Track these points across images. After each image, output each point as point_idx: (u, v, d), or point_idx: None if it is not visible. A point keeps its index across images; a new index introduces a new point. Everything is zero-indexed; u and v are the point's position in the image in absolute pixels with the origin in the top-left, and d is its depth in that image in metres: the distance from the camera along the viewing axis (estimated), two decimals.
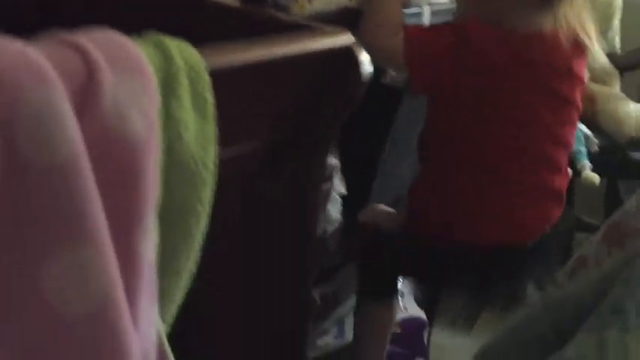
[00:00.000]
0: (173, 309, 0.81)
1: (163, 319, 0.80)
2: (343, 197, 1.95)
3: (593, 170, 2.53)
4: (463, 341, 2.52)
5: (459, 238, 1.62)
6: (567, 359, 1.77)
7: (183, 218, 0.75)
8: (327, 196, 1.77)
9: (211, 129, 0.74)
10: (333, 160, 1.76)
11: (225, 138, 0.89)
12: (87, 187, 0.59)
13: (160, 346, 0.75)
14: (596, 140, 2.59)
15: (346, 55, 0.96)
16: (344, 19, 1.50)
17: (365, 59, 0.98)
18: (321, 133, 0.99)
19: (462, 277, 1.69)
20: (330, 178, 1.77)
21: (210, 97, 0.74)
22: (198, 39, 0.92)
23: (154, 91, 0.66)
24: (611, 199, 2.78)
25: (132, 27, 0.74)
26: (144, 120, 0.64)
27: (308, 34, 0.93)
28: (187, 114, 0.71)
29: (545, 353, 1.88)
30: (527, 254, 1.70)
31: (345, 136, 1.82)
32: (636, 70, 2.88)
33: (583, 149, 2.56)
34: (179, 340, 0.80)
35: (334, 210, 1.93)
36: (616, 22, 2.99)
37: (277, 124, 0.96)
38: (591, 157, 2.55)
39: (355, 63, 0.96)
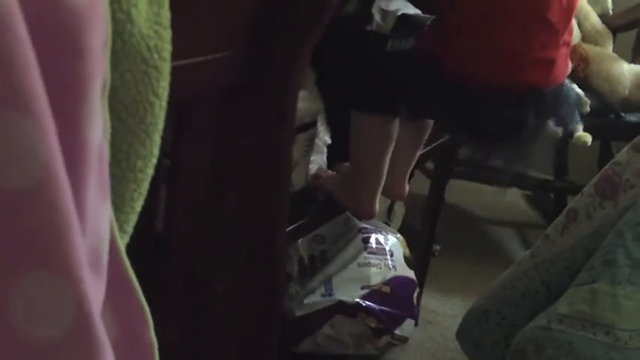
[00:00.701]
0: (132, 218, 0.76)
1: (122, 229, 0.75)
2: (329, 146, 1.90)
3: (585, 132, 2.48)
4: (454, 303, 2.49)
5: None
6: (559, 314, 1.73)
7: (137, 112, 0.69)
8: (311, 143, 1.71)
9: (165, 14, 0.68)
10: (317, 106, 1.71)
11: (195, 45, 0.84)
12: (22, 45, 0.53)
13: (115, 251, 0.69)
14: (588, 101, 2.55)
15: None
16: None
17: None
18: (297, 42, 0.93)
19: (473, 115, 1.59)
20: (314, 125, 1.71)
21: None
22: None
23: None
24: (605, 162, 2.71)
25: None
26: None
27: None
28: None
29: (537, 308, 1.84)
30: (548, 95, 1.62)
31: (329, 85, 1.77)
32: (629, 31, 2.83)
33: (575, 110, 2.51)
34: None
35: (320, 159, 1.88)
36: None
37: (250, 32, 0.90)
38: (583, 118, 2.50)
39: None
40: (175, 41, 0.71)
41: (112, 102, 0.67)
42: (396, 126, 1.67)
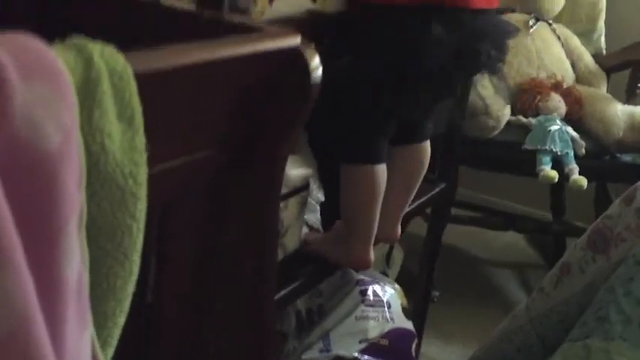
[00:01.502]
0: (116, 332, 0.77)
1: (106, 343, 0.76)
2: (322, 204, 1.92)
3: (581, 174, 2.50)
4: (453, 349, 2.49)
5: None
6: None
7: (115, 237, 0.70)
8: (303, 205, 1.73)
9: (140, 139, 0.70)
10: (309, 170, 1.73)
11: (168, 147, 0.85)
12: None
13: None
14: (583, 143, 2.57)
15: (293, 57, 0.92)
16: (307, 22, 1.46)
17: (315, 62, 0.94)
18: (273, 139, 0.95)
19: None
20: (306, 188, 1.73)
21: (137, 104, 0.69)
22: (149, 43, 0.88)
23: (72, 99, 0.62)
24: (601, 202, 2.74)
25: (81, 30, 0.69)
26: (59, 130, 0.60)
27: (251, 37, 0.89)
28: (112, 123, 0.67)
29: None
30: None
31: (319, 144, 1.79)
32: (623, 71, 2.84)
33: (570, 152, 2.53)
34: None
35: (314, 217, 1.90)
36: (601, 23, 2.97)
37: (225, 130, 0.91)
38: (579, 160, 2.52)
39: (303, 65, 0.92)
40: (154, 146, 0.73)
41: (89, 230, 0.68)
42: (383, 173, 1.68)
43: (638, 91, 2.76)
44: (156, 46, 0.78)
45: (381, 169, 1.66)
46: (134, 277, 0.75)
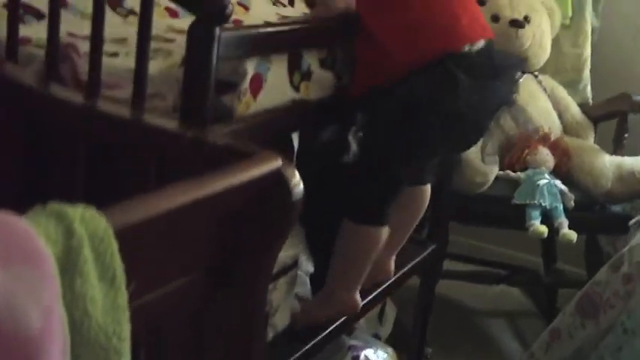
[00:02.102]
0: None
1: None
2: (311, 275, 1.93)
3: (571, 226, 2.51)
4: None
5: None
6: None
7: None
8: (292, 283, 1.74)
9: (122, 298, 0.71)
10: (298, 248, 1.74)
11: (152, 282, 0.87)
12: None
13: None
14: (572, 196, 2.58)
15: (275, 180, 0.94)
16: (292, 112, 1.48)
17: (295, 180, 0.95)
18: (256, 257, 0.96)
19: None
20: (295, 265, 1.74)
21: (118, 264, 0.71)
22: (131, 163, 0.90)
23: (52, 279, 0.64)
24: (592, 254, 2.76)
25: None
26: (40, 312, 0.61)
27: (232, 170, 0.90)
28: (93, 288, 0.68)
29: None
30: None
31: (309, 216, 1.81)
32: (610, 121, 2.86)
33: (559, 206, 2.54)
34: None
35: (303, 290, 1.91)
36: (586, 73, 3.00)
37: (207, 257, 0.93)
38: (568, 213, 2.54)
39: (285, 187, 0.94)
40: (135, 285, 0.75)
41: None
42: (386, 232, 1.72)
43: (625, 141, 2.78)
44: (139, 186, 0.80)
45: (386, 230, 1.71)
46: None
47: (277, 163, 0.96)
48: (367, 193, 1.67)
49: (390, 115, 1.59)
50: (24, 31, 1.49)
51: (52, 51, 1.33)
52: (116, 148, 1.06)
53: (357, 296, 1.78)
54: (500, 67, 1.70)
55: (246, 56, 1.32)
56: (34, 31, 1.51)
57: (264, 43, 1.36)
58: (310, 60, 1.51)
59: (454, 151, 1.87)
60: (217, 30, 1.19)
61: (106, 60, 1.35)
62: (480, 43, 1.65)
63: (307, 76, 1.50)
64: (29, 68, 1.39)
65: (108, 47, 1.46)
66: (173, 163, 1.00)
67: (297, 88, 1.48)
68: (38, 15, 1.56)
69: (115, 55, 1.50)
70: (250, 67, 1.35)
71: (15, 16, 1.40)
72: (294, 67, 1.47)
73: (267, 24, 1.39)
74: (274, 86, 1.42)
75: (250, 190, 0.92)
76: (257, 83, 1.38)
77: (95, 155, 0.74)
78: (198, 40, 1.19)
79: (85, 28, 1.45)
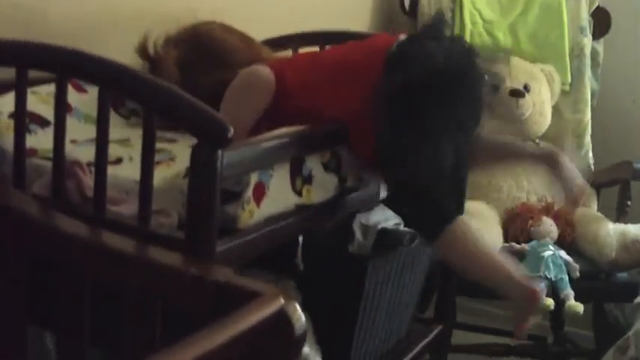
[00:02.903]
0: None
1: None
2: None
3: (578, 295, 2.51)
4: None
5: None
6: None
7: None
8: None
9: None
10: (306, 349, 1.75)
11: None
12: None
13: None
14: (577, 266, 2.58)
15: (278, 319, 0.95)
16: (296, 218, 1.50)
17: (297, 316, 0.97)
18: None
19: None
20: None
21: None
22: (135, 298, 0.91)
23: None
24: (599, 323, 2.76)
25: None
26: None
27: (234, 319, 0.91)
28: None
29: None
30: None
31: (317, 309, 1.82)
32: (612, 187, 2.87)
33: (565, 277, 2.54)
34: None
35: None
36: (588, 139, 3.02)
37: None
38: (573, 283, 2.54)
39: (288, 325, 0.95)
40: None
41: None
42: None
43: (628, 208, 2.79)
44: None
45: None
46: None
47: (280, 302, 0.97)
48: (424, 212, 1.66)
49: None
50: (29, 141, 1.51)
51: (57, 171, 1.35)
52: (121, 283, 1.08)
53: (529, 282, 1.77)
54: None
55: (249, 171, 1.34)
56: (40, 140, 1.54)
57: (267, 157, 1.38)
58: (312, 164, 1.53)
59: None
60: (220, 152, 1.21)
61: (110, 170, 1.37)
62: None
63: (309, 180, 1.52)
64: (36, 184, 1.41)
65: (111, 150, 1.49)
66: (176, 299, 1.02)
67: (299, 193, 1.50)
68: (43, 123, 1.59)
69: (118, 161, 1.53)
70: (253, 177, 1.37)
71: (22, 128, 1.43)
72: (296, 172, 1.49)
73: (270, 137, 1.41)
74: (277, 193, 1.44)
75: (253, 334, 0.93)
76: (260, 191, 1.40)
77: (100, 289, 0.76)
78: (201, 162, 1.21)
79: (89, 133, 1.47)
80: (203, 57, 1.75)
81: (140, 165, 1.28)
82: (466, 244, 1.67)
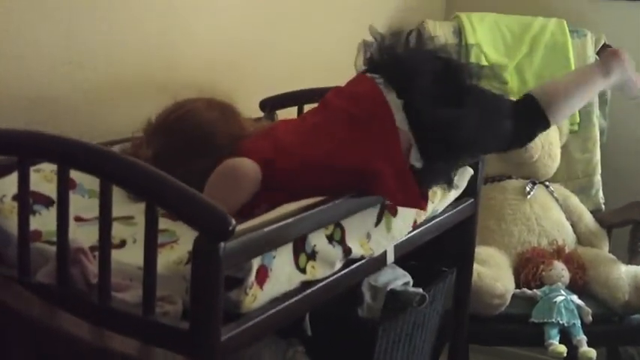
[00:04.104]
0: None
1: None
2: None
3: (591, 340, 2.50)
4: None
5: None
6: None
7: None
8: None
9: None
10: None
11: None
12: None
13: None
14: (589, 310, 2.57)
15: None
16: (301, 296, 1.49)
17: None
18: None
19: None
20: None
21: None
22: None
23: None
24: None
25: None
26: None
27: None
28: None
29: None
30: None
31: None
32: (624, 227, 2.86)
33: (577, 322, 2.54)
34: None
35: None
36: (597, 178, 3.01)
37: None
38: (586, 328, 2.53)
39: None
40: None
41: None
42: None
43: (639, 249, 2.78)
44: None
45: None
46: None
47: None
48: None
49: None
50: (34, 223, 1.51)
51: (61, 260, 1.35)
52: None
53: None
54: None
55: (252, 258, 1.34)
56: (44, 222, 1.53)
57: (269, 242, 1.37)
58: (315, 239, 1.52)
59: None
60: (222, 245, 1.21)
61: (113, 255, 1.37)
62: None
63: (313, 256, 1.51)
64: (40, 272, 1.41)
65: (115, 231, 1.49)
66: None
67: (303, 271, 1.49)
68: (47, 202, 1.59)
69: (122, 244, 1.53)
70: (256, 261, 1.37)
71: (25, 211, 1.43)
72: (299, 249, 1.48)
73: (271, 221, 1.40)
74: (280, 273, 1.43)
75: None
76: (263, 274, 1.39)
77: None
78: (203, 255, 1.21)
79: (93, 208, 1.47)
80: (178, 151, 1.72)
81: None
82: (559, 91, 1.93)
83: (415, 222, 1.84)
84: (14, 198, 1.50)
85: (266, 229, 1.35)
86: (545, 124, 1.93)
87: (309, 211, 1.48)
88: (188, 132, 1.73)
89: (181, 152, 1.71)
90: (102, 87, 1.96)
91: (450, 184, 1.84)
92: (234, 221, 1.21)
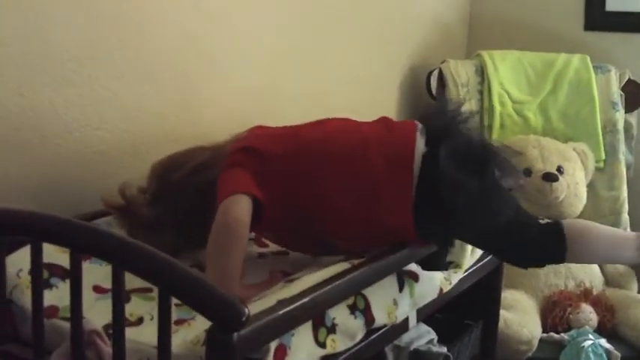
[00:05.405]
0: None
1: None
2: None
3: None
4: None
5: None
6: None
7: None
8: None
9: None
10: None
11: None
12: None
13: None
14: (618, 354, 2.54)
15: None
16: None
17: None
18: None
19: None
20: None
21: None
22: None
23: None
24: None
25: None
26: None
27: None
28: None
29: None
30: None
31: None
32: None
33: None
34: None
35: None
36: (625, 216, 2.96)
37: None
38: None
39: None
40: None
41: None
42: None
43: None
44: None
45: None
46: None
47: None
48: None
49: None
50: (50, 297, 1.50)
51: (76, 342, 1.34)
52: None
53: None
54: None
55: (269, 342, 1.32)
56: (61, 296, 1.52)
57: (287, 323, 1.35)
58: (335, 312, 1.50)
59: None
60: (235, 335, 1.19)
61: (130, 333, 1.35)
62: None
63: (333, 329, 1.49)
64: (54, 354, 1.40)
65: (132, 306, 1.47)
66: None
67: (323, 345, 1.47)
68: (64, 274, 1.58)
69: (140, 321, 1.51)
70: (274, 342, 1.34)
71: (39, 286, 1.41)
72: (318, 324, 1.46)
73: (287, 301, 1.37)
74: (299, 350, 1.41)
75: None
76: (281, 352, 1.37)
77: None
78: (217, 345, 1.19)
79: (109, 276, 1.45)
80: (172, 185, 1.75)
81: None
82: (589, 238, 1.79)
83: (441, 290, 1.81)
84: (30, 272, 1.49)
85: (281, 312, 1.32)
86: (559, 259, 1.80)
87: (325, 286, 1.45)
88: (170, 158, 1.79)
89: (175, 184, 1.74)
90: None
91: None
92: (247, 310, 1.19)
